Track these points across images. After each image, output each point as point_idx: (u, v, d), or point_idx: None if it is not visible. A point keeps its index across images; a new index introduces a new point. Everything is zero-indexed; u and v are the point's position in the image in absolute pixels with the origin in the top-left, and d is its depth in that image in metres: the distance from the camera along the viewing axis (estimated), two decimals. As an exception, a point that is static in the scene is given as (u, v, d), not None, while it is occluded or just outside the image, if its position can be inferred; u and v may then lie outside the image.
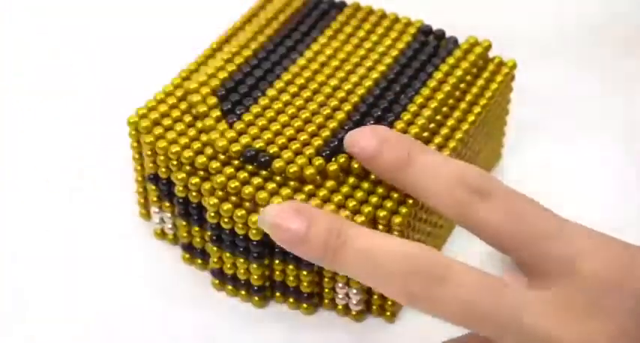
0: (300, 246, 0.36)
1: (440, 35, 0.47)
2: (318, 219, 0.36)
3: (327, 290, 0.43)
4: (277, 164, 0.40)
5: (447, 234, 0.47)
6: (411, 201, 0.40)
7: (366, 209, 0.40)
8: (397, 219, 0.39)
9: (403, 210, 0.40)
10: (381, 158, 0.38)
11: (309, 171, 0.40)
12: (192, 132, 0.42)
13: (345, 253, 0.35)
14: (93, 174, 0.50)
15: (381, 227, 0.40)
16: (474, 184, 0.36)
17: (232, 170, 0.41)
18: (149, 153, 0.43)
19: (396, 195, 0.40)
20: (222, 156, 0.41)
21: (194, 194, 0.42)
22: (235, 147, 0.41)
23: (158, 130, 0.42)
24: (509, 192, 0.37)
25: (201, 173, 0.41)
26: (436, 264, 0.34)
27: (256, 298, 0.44)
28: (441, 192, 0.37)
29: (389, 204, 0.40)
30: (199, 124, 0.43)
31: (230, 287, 0.44)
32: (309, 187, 0.40)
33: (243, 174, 0.41)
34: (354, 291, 0.42)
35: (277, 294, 0.44)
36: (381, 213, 0.40)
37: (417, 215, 0.41)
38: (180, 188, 0.42)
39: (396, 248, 0.35)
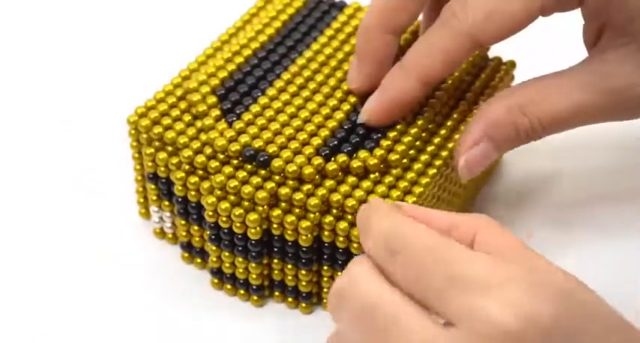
0: None
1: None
2: None
3: (325, 289, 0.43)
4: (276, 163, 0.40)
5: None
6: (411, 201, 0.40)
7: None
8: None
9: None
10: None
11: (308, 170, 0.40)
12: (191, 131, 0.42)
13: None
14: (93, 173, 0.50)
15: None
16: (387, 245, 0.34)
17: (231, 169, 0.41)
18: (148, 152, 0.43)
19: (395, 195, 0.40)
20: (221, 156, 0.41)
21: (193, 193, 0.42)
22: (234, 147, 0.41)
23: (158, 129, 0.43)
24: (413, 246, 0.34)
25: (201, 172, 0.42)
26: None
27: (255, 297, 0.44)
28: (370, 252, 0.35)
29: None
30: (199, 123, 0.43)
31: (229, 286, 0.44)
32: (307, 186, 0.40)
33: (242, 174, 0.41)
34: (353, 291, 0.42)
35: (276, 293, 0.44)
36: None
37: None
38: (180, 187, 0.42)
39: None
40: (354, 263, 0.35)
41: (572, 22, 0.44)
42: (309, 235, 0.40)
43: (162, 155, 0.43)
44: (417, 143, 0.42)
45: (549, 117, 0.41)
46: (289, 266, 0.42)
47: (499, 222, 0.40)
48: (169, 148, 0.43)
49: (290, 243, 0.41)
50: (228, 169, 0.41)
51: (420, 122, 0.43)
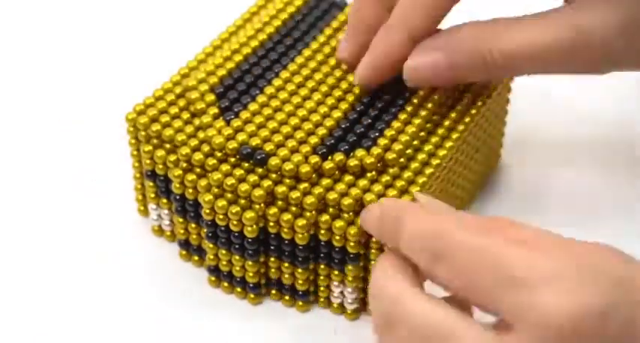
0: None
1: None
2: None
3: (322, 288, 0.43)
4: (273, 162, 0.40)
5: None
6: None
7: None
8: None
9: None
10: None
11: (305, 169, 0.40)
12: (189, 129, 0.42)
13: None
14: (91, 170, 0.50)
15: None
16: (428, 246, 0.34)
17: (229, 167, 0.41)
18: (146, 149, 0.43)
19: (392, 194, 0.40)
20: (218, 154, 0.41)
21: (190, 191, 0.42)
22: (232, 145, 0.41)
23: (156, 127, 0.43)
24: (459, 248, 0.34)
25: (198, 170, 0.42)
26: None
27: (252, 295, 0.44)
28: (411, 256, 0.35)
29: None
30: (197, 121, 0.43)
31: (226, 284, 0.44)
32: (304, 185, 0.40)
33: (239, 172, 0.41)
34: (350, 290, 0.42)
35: (273, 292, 0.44)
36: None
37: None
38: (177, 185, 0.42)
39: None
40: (389, 280, 0.35)
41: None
42: (305, 233, 0.40)
43: (160, 152, 0.43)
44: (415, 142, 0.42)
45: (511, 49, 0.41)
46: (286, 264, 0.42)
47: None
48: (167, 146, 0.43)
49: (286, 242, 0.41)
50: (225, 167, 0.41)
51: (417, 121, 0.43)
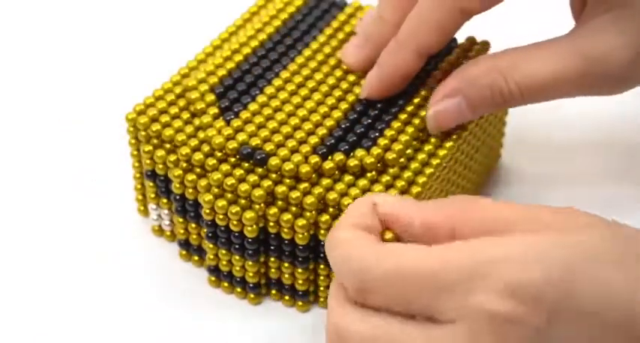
0: None
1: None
2: None
3: (322, 288, 0.43)
4: (273, 162, 0.40)
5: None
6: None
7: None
8: None
9: None
10: None
11: (305, 169, 0.40)
12: (189, 129, 0.42)
13: None
14: (92, 171, 0.50)
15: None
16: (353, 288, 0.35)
17: (229, 167, 0.41)
18: (146, 149, 0.43)
19: (392, 194, 0.40)
20: (218, 154, 0.41)
21: (190, 191, 0.42)
22: (232, 145, 0.41)
23: (156, 126, 0.43)
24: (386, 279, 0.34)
25: (198, 170, 0.42)
26: None
27: (252, 295, 0.44)
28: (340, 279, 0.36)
29: None
30: (197, 121, 0.43)
31: (226, 284, 0.44)
32: (304, 185, 0.40)
33: (239, 172, 0.41)
34: (350, 290, 0.42)
35: (273, 292, 0.44)
36: None
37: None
38: (177, 185, 0.42)
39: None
40: (331, 298, 0.36)
41: (572, 21, 0.44)
42: (305, 233, 0.40)
43: (160, 152, 0.43)
44: (415, 142, 0.42)
45: (528, 81, 0.41)
46: (286, 264, 0.42)
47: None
48: (167, 146, 0.43)
49: (286, 242, 0.41)
50: (225, 167, 0.41)
51: (417, 121, 0.43)
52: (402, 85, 0.43)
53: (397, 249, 0.34)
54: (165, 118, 0.43)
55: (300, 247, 0.41)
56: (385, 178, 0.41)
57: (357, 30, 0.46)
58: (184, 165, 0.42)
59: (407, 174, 0.41)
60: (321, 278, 0.42)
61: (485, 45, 0.47)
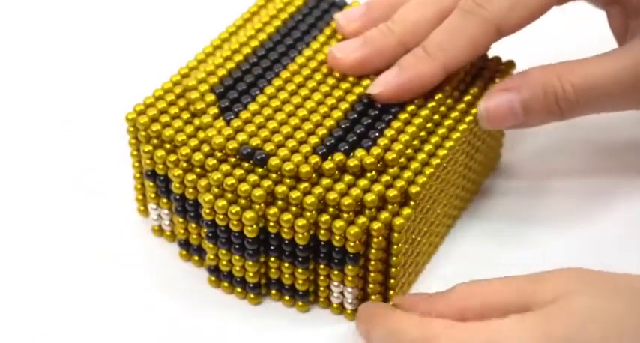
0: None
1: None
2: None
3: (322, 288, 0.43)
4: (273, 162, 0.40)
5: (445, 231, 0.47)
6: (412, 203, 0.40)
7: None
8: (398, 221, 0.40)
9: (405, 211, 0.40)
10: None
11: (305, 168, 0.40)
12: (189, 129, 0.42)
13: None
14: (92, 171, 0.50)
15: (378, 225, 0.40)
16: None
17: (228, 167, 0.41)
18: (146, 149, 0.43)
19: (392, 194, 0.40)
20: (218, 154, 0.41)
21: (190, 191, 0.42)
22: (232, 145, 0.41)
23: (156, 126, 0.43)
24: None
25: (198, 170, 0.42)
26: None
27: (252, 295, 0.44)
28: None
29: (389, 206, 0.40)
30: (197, 121, 0.43)
31: (226, 284, 0.44)
32: (304, 185, 0.40)
33: (239, 172, 0.41)
34: (350, 290, 0.42)
35: (273, 292, 0.44)
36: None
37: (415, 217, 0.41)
38: (177, 185, 0.42)
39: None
40: None
41: (571, 21, 0.44)
42: (305, 233, 0.40)
43: (160, 152, 0.43)
44: (415, 142, 0.42)
45: (582, 82, 0.42)
46: (286, 264, 0.42)
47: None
48: (167, 146, 0.43)
49: (286, 242, 0.41)
50: (225, 167, 0.41)
51: (417, 121, 0.43)
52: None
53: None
54: (165, 118, 0.43)
55: (300, 247, 0.41)
56: (385, 178, 0.41)
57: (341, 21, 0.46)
58: (184, 165, 0.42)
59: (407, 174, 0.41)
60: (321, 278, 0.42)
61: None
